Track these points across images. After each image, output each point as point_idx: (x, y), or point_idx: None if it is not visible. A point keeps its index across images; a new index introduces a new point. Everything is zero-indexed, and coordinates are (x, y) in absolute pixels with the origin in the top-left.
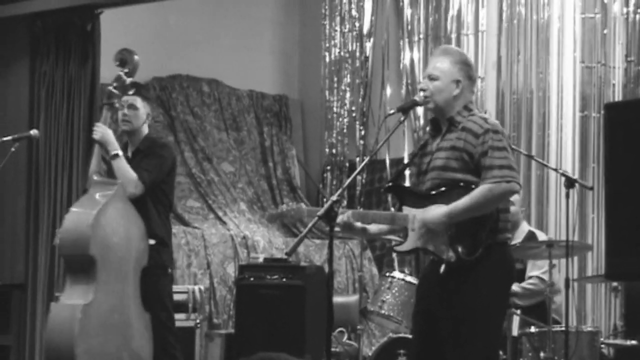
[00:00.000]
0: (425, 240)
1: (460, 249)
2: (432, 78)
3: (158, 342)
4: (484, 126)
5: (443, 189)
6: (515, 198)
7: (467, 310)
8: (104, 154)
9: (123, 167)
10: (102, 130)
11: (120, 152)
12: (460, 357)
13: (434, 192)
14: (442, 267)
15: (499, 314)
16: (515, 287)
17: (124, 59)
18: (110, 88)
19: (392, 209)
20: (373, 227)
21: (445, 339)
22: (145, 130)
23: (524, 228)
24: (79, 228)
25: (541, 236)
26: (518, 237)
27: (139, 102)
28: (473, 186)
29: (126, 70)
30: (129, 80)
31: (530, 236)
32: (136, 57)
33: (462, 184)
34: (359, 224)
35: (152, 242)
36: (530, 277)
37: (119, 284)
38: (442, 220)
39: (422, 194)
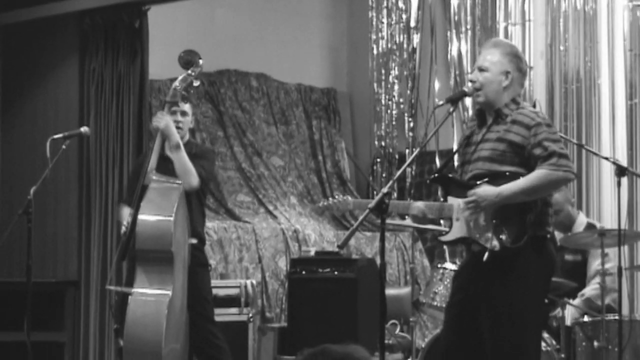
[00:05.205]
0: (469, 229)
1: (504, 238)
2: (482, 69)
3: (201, 335)
4: (536, 119)
5: (487, 179)
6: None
7: (506, 301)
8: (165, 146)
9: (185, 158)
10: (167, 120)
11: (182, 143)
12: (496, 348)
13: (478, 182)
14: (486, 255)
15: (538, 307)
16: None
17: (192, 60)
18: (177, 87)
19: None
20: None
21: (483, 329)
22: (187, 135)
23: (582, 220)
24: (162, 224)
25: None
26: (578, 229)
27: (188, 108)
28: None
29: (192, 72)
30: (196, 82)
31: (590, 227)
32: (201, 60)
33: (507, 173)
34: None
35: (194, 241)
36: (597, 273)
37: (182, 280)
38: (494, 196)
39: (467, 184)
